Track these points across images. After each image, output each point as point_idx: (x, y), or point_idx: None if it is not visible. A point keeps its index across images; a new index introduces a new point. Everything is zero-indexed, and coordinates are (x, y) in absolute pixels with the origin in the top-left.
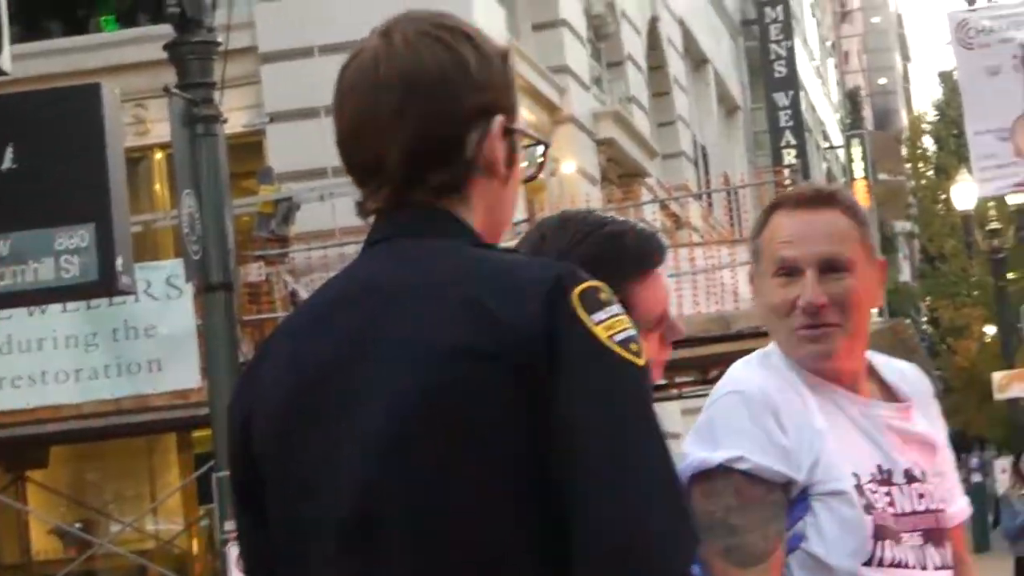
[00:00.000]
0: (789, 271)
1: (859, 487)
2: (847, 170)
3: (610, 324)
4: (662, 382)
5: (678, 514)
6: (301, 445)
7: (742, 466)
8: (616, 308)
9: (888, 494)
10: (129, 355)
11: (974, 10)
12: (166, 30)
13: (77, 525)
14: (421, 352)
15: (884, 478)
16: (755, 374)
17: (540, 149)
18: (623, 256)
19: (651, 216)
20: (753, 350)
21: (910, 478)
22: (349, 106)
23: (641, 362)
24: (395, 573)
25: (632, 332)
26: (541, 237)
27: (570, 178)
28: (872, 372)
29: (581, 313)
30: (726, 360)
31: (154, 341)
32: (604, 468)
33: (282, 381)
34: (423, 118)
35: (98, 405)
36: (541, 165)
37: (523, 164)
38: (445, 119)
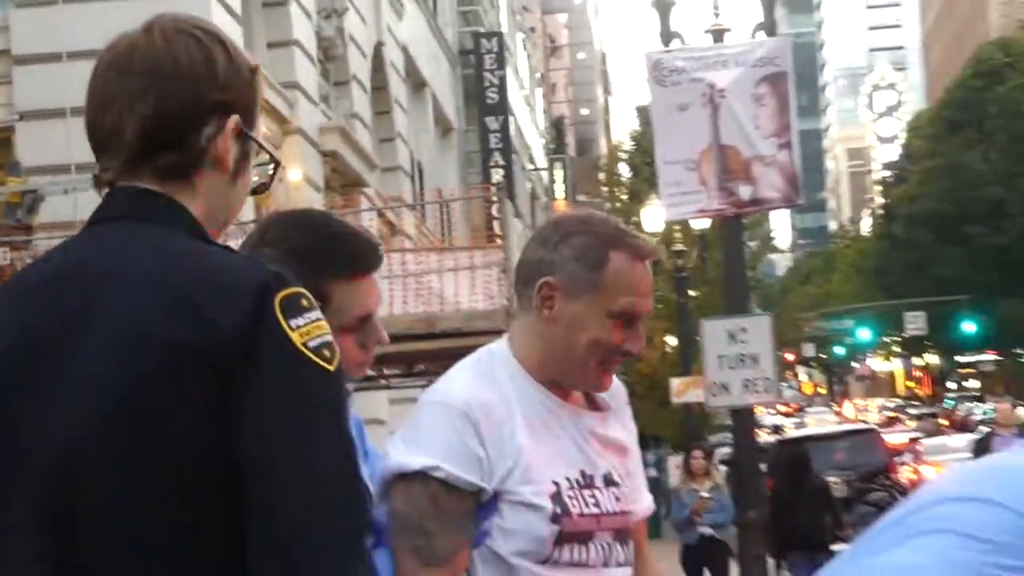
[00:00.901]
0: (630, 319)
1: (557, 494)
2: (549, 191)
3: (307, 330)
4: (372, 373)
5: (352, 518)
6: (5, 419)
7: (438, 474)
8: (315, 314)
9: (593, 496)
10: None
11: (669, 51)
12: None
13: None
14: (129, 340)
15: (587, 482)
16: (466, 383)
17: (272, 165)
18: (333, 255)
19: (368, 223)
20: (455, 349)
21: (608, 482)
22: (100, 83)
23: (332, 368)
24: (86, 552)
25: (327, 338)
26: (264, 229)
27: (296, 185)
28: None
29: (280, 317)
30: (430, 356)
31: None
32: (286, 470)
33: (9, 335)
34: (162, 100)
35: None
36: (271, 179)
37: (255, 178)
38: (183, 105)
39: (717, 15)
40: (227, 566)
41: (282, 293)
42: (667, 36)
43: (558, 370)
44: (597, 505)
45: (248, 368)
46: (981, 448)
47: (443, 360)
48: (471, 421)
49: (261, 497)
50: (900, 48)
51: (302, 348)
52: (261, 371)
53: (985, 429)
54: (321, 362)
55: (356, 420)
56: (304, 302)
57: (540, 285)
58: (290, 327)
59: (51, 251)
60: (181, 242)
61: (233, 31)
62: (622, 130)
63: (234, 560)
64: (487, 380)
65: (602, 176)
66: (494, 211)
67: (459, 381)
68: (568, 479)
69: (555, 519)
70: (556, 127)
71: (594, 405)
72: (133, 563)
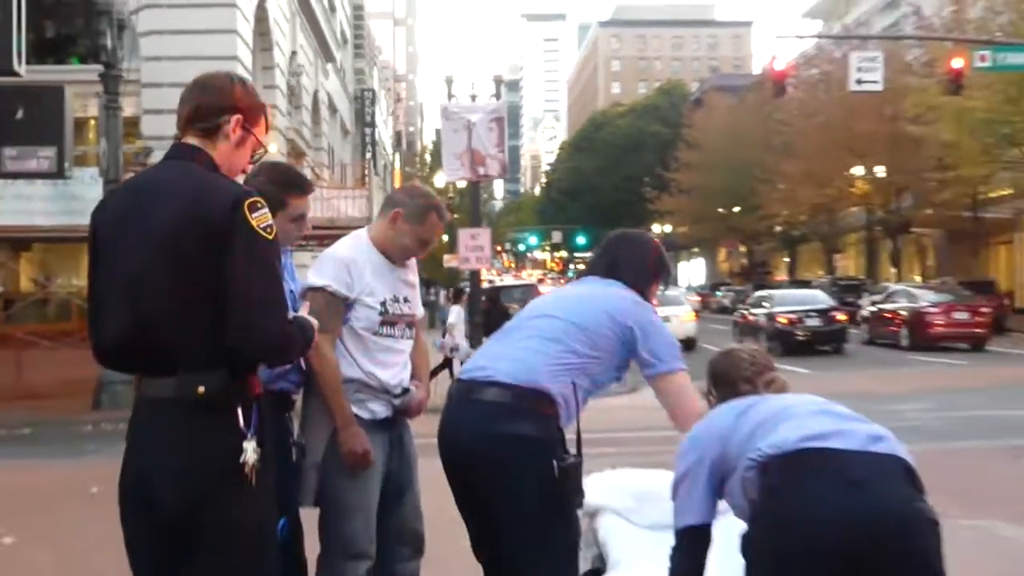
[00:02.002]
0: (426, 244)
1: (384, 302)
2: (391, 165)
3: (259, 218)
4: (301, 243)
5: (278, 313)
6: (113, 244)
7: (329, 289)
8: (265, 211)
9: (399, 305)
10: (73, 207)
11: (450, 104)
12: (99, 67)
13: None
14: (172, 216)
15: (396, 299)
16: (347, 248)
17: (261, 152)
18: (292, 183)
19: (307, 173)
20: (341, 233)
21: (406, 300)
22: (184, 91)
23: (271, 237)
24: (150, 309)
25: (270, 223)
26: (259, 168)
27: (273, 154)
28: None
29: (246, 212)
30: (329, 236)
31: (81, 204)
32: (245, 288)
33: (115, 211)
34: (203, 99)
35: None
36: (264, 151)
37: (259, 153)
38: (215, 104)
39: (473, 87)
40: (219, 322)
41: (249, 200)
42: (449, 96)
43: (388, 251)
44: (400, 310)
45: (231, 234)
46: None
47: (335, 239)
48: (345, 266)
49: (233, 293)
50: (557, 111)
51: (256, 227)
52: (236, 237)
53: None
54: (265, 234)
55: (291, 265)
56: (259, 204)
57: (395, 212)
58: (252, 217)
59: (142, 171)
60: (202, 171)
61: (247, 76)
62: (428, 139)
63: (221, 319)
64: (355, 247)
65: (417, 160)
66: (365, 173)
67: (342, 246)
68: (388, 297)
69: (381, 313)
70: (397, 136)
71: (403, 265)
72: (169, 314)
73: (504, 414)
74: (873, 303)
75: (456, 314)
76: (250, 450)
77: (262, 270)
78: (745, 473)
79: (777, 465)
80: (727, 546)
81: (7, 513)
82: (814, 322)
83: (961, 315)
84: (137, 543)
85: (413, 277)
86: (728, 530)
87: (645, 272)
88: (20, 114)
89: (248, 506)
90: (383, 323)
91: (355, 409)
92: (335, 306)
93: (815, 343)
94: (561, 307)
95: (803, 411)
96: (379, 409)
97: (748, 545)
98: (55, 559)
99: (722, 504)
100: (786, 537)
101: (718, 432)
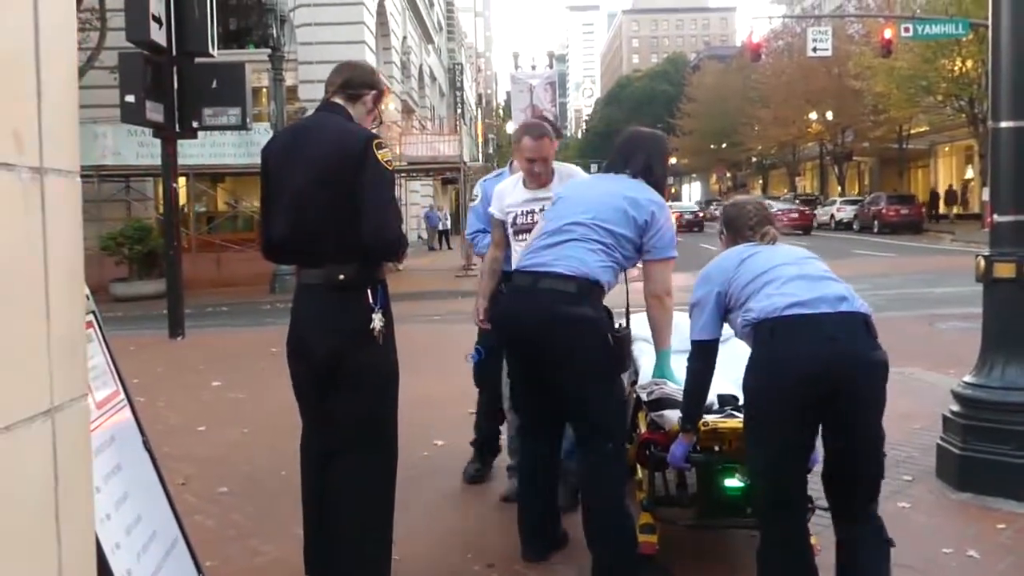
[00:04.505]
0: (531, 160)
1: (515, 217)
2: (475, 117)
3: (382, 155)
4: (414, 175)
5: (396, 226)
6: (279, 169)
7: (493, 214)
8: (387, 148)
9: (526, 218)
10: (252, 150)
11: (516, 72)
12: (268, 50)
13: None
14: (324, 149)
15: (525, 213)
16: (502, 184)
17: (377, 123)
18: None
19: (416, 127)
20: (450, 168)
21: (532, 212)
22: (338, 67)
23: (392, 168)
24: (306, 217)
25: (390, 158)
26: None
27: (391, 111)
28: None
29: (374, 148)
30: (432, 167)
31: (258, 148)
32: (374, 206)
33: (280, 145)
34: (354, 76)
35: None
36: (380, 122)
37: (377, 119)
38: (362, 81)
39: (532, 60)
40: (354, 227)
41: (376, 140)
42: (516, 67)
43: (524, 179)
44: (527, 220)
45: (363, 164)
46: None
47: (442, 172)
48: (496, 197)
49: (365, 206)
50: (593, 76)
51: (382, 161)
52: (367, 167)
53: None
54: (386, 166)
55: (489, 194)
56: (382, 143)
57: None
58: (378, 153)
59: (302, 119)
60: (344, 121)
61: (371, 61)
62: (501, 98)
63: (356, 226)
64: (508, 182)
65: (493, 114)
66: (456, 123)
67: (500, 183)
68: (518, 212)
69: (512, 224)
70: (479, 96)
71: (537, 186)
72: (319, 221)
73: (569, 300)
74: None
75: None
76: (376, 319)
77: (383, 192)
78: (742, 329)
79: (768, 327)
80: (728, 358)
81: (215, 364)
82: (687, 217)
83: (793, 215)
84: (300, 382)
85: (545, 193)
86: (730, 347)
87: (661, 167)
88: (214, 84)
89: (375, 357)
90: (515, 232)
91: None
92: (497, 223)
93: (686, 228)
94: (592, 209)
95: (785, 274)
96: None
97: (747, 384)
98: (248, 395)
99: (727, 330)
100: (777, 374)
101: (724, 273)
